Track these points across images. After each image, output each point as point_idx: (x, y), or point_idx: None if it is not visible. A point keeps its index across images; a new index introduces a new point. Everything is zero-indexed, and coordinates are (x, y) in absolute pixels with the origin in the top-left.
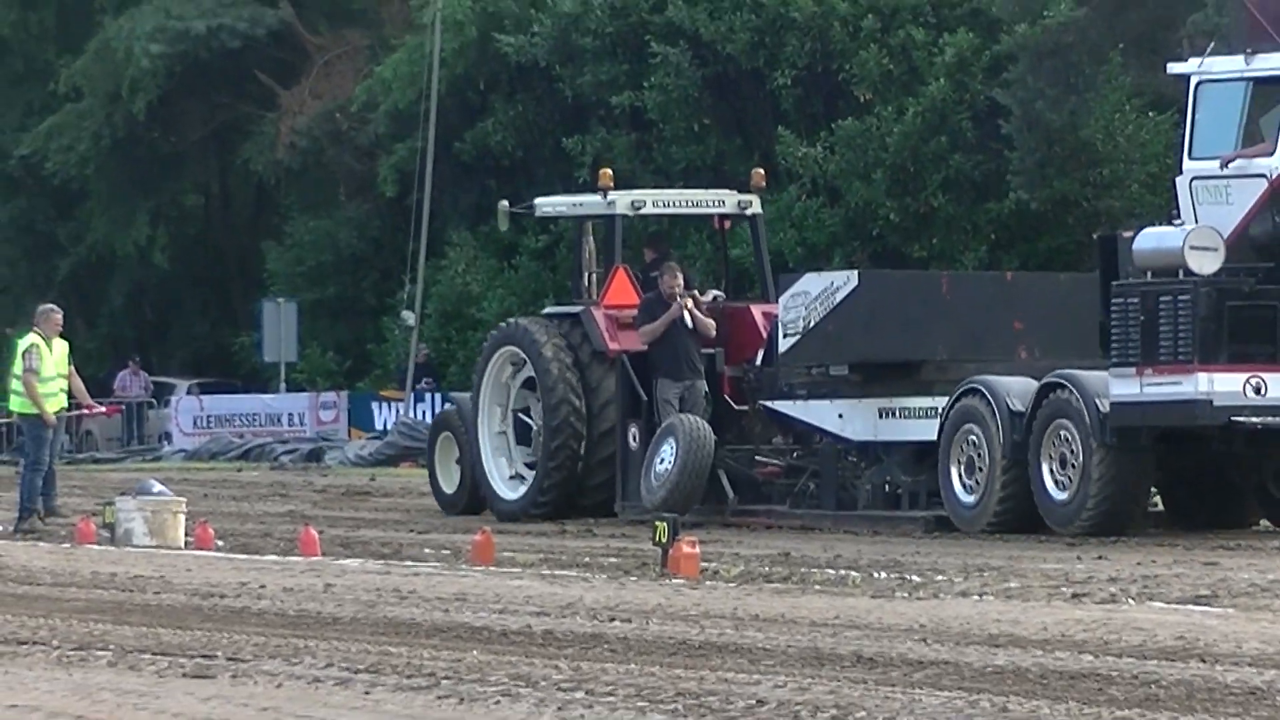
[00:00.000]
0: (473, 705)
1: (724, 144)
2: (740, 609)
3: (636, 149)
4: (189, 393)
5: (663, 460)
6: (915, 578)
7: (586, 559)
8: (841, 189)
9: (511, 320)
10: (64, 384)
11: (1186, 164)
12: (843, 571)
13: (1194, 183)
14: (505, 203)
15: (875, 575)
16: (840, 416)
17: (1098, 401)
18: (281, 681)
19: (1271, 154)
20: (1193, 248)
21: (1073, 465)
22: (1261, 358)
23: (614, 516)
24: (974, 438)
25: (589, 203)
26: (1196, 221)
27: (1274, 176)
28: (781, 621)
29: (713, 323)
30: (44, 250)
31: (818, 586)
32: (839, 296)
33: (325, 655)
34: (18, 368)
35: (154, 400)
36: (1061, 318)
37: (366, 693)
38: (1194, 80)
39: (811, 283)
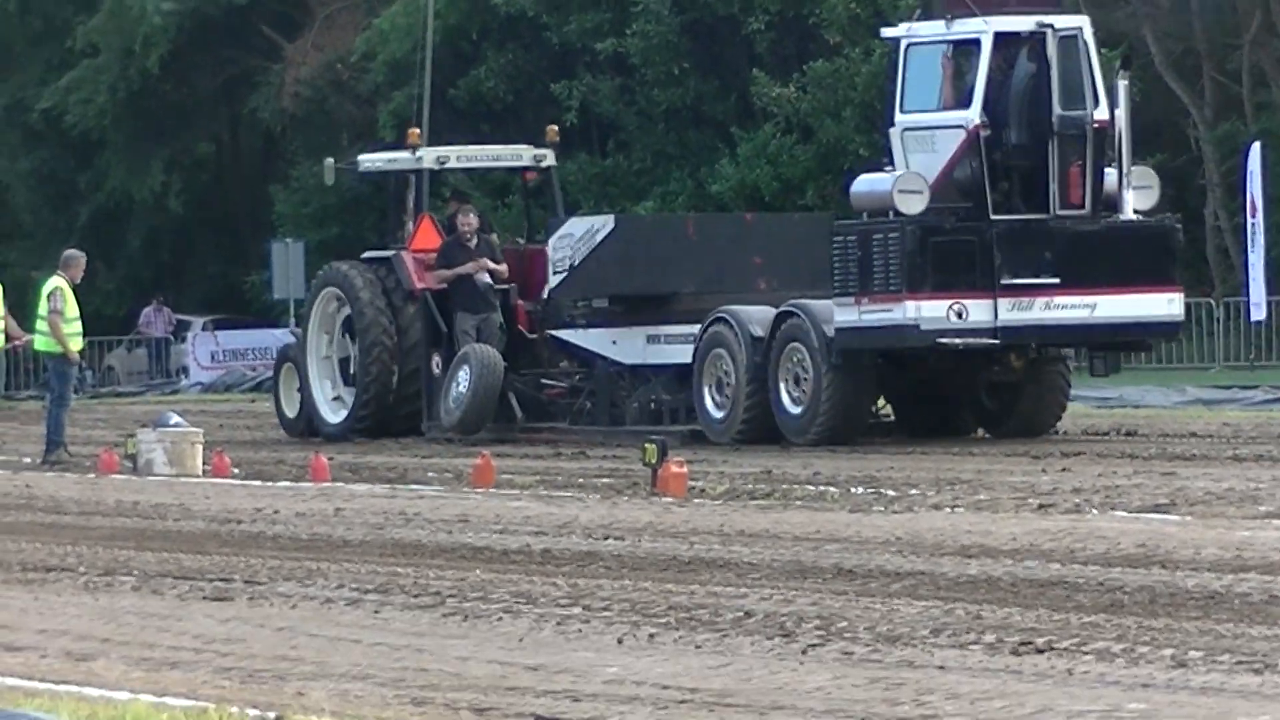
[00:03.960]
0: (476, 622)
1: (702, 86)
2: (726, 525)
3: (620, 93)
4: (204, 329)
5: (458, 385)
6: (890, 492)
7: (580, 480)
8: (814, 127)
9: (332, 264)
10: (80, 325)
11: (898, 117)
12: (821, 487)
13: (905, 133)
14: (331, 160)
15: (852, 490)
16: (614, 343)
17: (825, 327)
18: (296, 603)
19: (969, 106)
20: (900, 191)
21: (805, 384)
22: (962, 286)
23: (421, 435)
24: (722, 360)
25: (401, 159)
26: (907, 168)
27: (971, 127)
28: (765, 536)
29: (504, 269)
30: (65, 198)
31: (799, 502)
32: (599, 238)
33: (336, 577)
34: (43, 309)
35: (172, 336)
36: (796, 253)
37: (376, 612)
38: (903, 43)
39: (576, 226)
